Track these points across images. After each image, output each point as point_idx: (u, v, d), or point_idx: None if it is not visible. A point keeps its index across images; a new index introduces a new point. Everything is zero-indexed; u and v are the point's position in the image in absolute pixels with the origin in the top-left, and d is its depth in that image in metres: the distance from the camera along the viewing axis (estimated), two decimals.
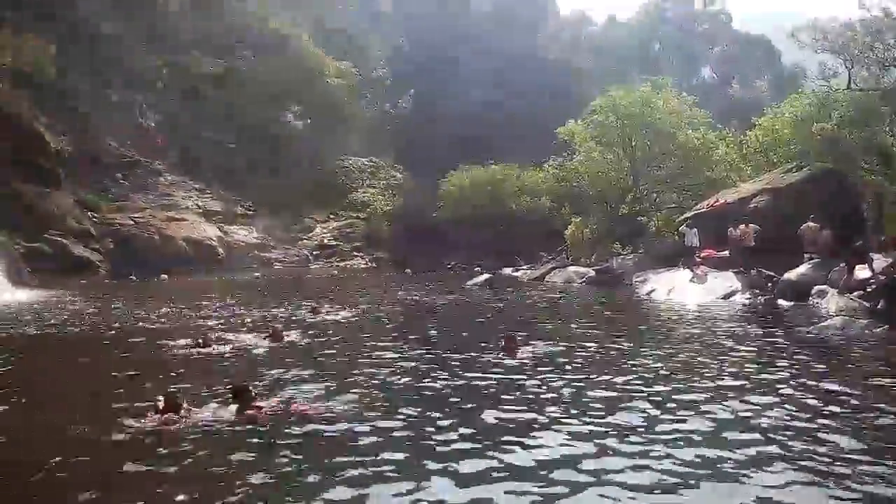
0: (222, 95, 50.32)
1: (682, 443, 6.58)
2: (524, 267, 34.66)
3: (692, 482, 5.62)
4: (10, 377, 10.50)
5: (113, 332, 15.17)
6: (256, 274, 37.43)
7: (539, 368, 10.01)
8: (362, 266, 44.79)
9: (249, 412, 7.53)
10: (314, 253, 45.95)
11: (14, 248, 30.12)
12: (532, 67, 62.19)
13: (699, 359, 10.75)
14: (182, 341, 12.74)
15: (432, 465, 5.99)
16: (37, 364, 12.05)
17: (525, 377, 9.40)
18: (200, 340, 12.27)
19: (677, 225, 28.45)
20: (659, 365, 10.27)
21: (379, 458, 6.16)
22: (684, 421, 7.26)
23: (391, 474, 5.82)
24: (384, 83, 63.74)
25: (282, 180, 48.96)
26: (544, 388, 8.86)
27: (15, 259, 29.08)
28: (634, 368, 10.04)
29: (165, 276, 33.23)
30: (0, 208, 30.11)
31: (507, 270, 33.86)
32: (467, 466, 5.96)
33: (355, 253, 47.16)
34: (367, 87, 61.47)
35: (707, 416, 7.44)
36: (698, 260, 23.53)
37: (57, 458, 6.28)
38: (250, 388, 8.07)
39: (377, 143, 58.68)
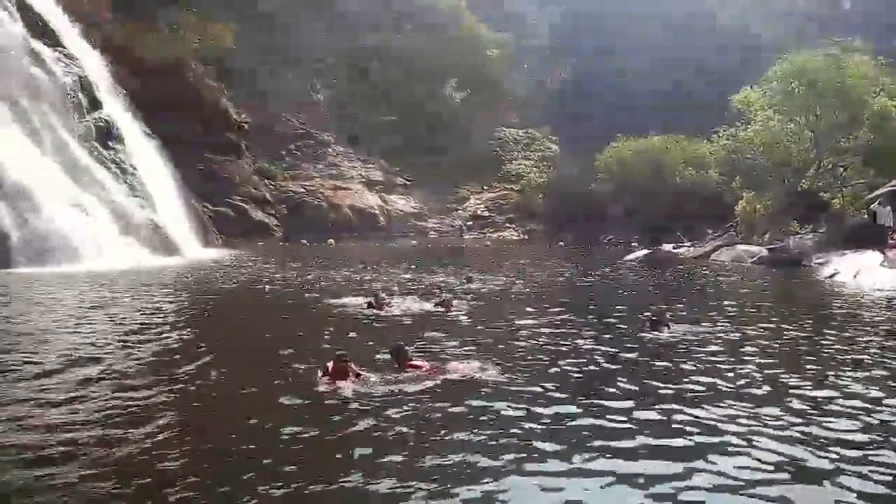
0: (385, 73, 52.14)
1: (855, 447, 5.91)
2: (686, 244, 32.91)
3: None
4: (200, 331, 11.63)
5: (290, 290, 16.39)
6: (413, 241, 38.74)
7: (700, 350, 9.47)
8: (514, 238, 44.87)
9: (408, 371, 7.76)
10: (468, 223, 46.67)
11: (203, 211, 33.40)
12: (700, 33, 58.26)
13: (889, 352, 9.62)
14: (354, 300, 13.31)
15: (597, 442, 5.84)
16: (219, 320, 13.25)
17: (683, 359, 8.92)
18: (373, 302, 12.56)
19: (868, 202, 25.61)
20: (845, 357, 9.31)
21: (544, 431, 6.09)
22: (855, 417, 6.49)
23: (557, 449, 5.76)
24: (541, 54, 62.68)
25: (438, 153, 50.02)
26: (707, 374, 8.36)
27: (204, 222, 32.26)
28: (812, 358, 9.19)
29: (332, 241, 35.30)
30: (193, 176, 33.37)
31: (668, 247, 32.34)
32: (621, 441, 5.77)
33: (508, 224, 47.32)
34: (525, 57, 60.80)
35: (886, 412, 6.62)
36: (892, 241, 21.08)
37: (230, 424, 6.09)
38: (406, 347, 8.31)
39: (533, 114, 58.07)
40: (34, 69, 23.42)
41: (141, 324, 11.10)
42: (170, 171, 29.81)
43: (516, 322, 11.62)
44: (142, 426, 5.94)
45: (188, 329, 10.94)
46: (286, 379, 7.54)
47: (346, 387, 7.19)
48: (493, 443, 5.71)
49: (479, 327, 11.15)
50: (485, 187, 51.07)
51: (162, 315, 12.10)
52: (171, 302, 14.00)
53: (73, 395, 6.84)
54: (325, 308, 13.19)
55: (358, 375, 7.44)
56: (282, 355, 8.72)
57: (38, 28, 24.63)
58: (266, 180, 41.93)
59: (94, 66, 27.78)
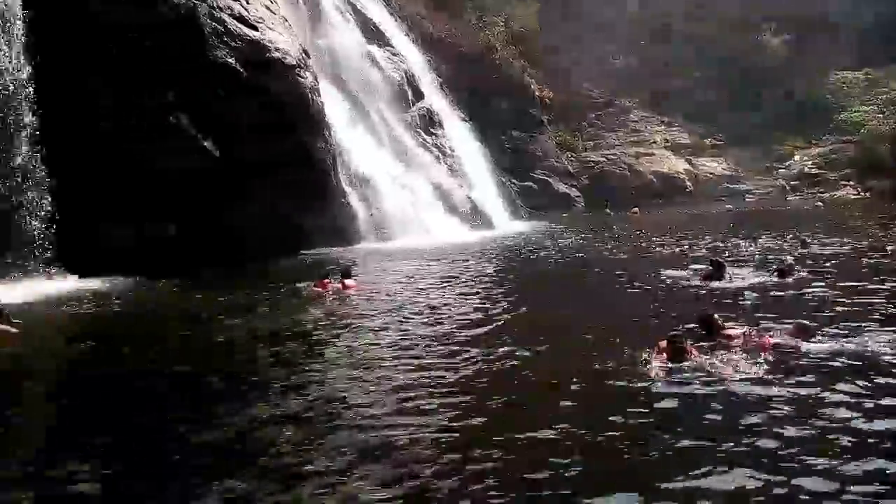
0: (693, 28, 48.73)
1: None
2: None
3: None
4: (521, 299, 12.24)
5: (603, 260, 16.46)
6: (728, 206, 35.90)
7: None
8: (852, 197, 38.85)
9: (723, 341, 7.20)
10: (791, 183, 41.71)
11: (510, 186, 35.15)
12: None
13: None
14: (676, 272, 12.67)
15: None
16: (538, 291, 13.80)
17: None
18: (710, 272, 11.56)
19: None
20: None
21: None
22: None
23: None
24: None
25: (755, 108, 45.36)
26: None
27: (512, 196, 33.94)
28: None
29: (636, 210, 34.47)
30: (500, 154, 35.27)
31: None
32: None
33: (842, 182, 41.13)
34: None
35: None
36: None
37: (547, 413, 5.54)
38: (715, 315, 7.71)
39: (872, 52, 49.15)
40: (370, 69, 26.79)
41: (470, 289, 12.13)
42: (481, 151, 31.92)
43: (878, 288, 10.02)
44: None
45: (509, 296, 11.62)
46: (618, 358, 6.90)
47: (686, 365, 6.46)
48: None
49: (828, 296, 9.87)
50: (813, 141, 44.99)
51: (485, 281, 13.08)
52: (493, 269, 15.08)
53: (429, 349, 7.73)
54: (648, 279, 12.43)
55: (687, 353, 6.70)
56: (611, 332, 8.35)
57: (371, 31, 28.04)
58: (568, 152, 42.49)
59: (416, 60, 30.79)
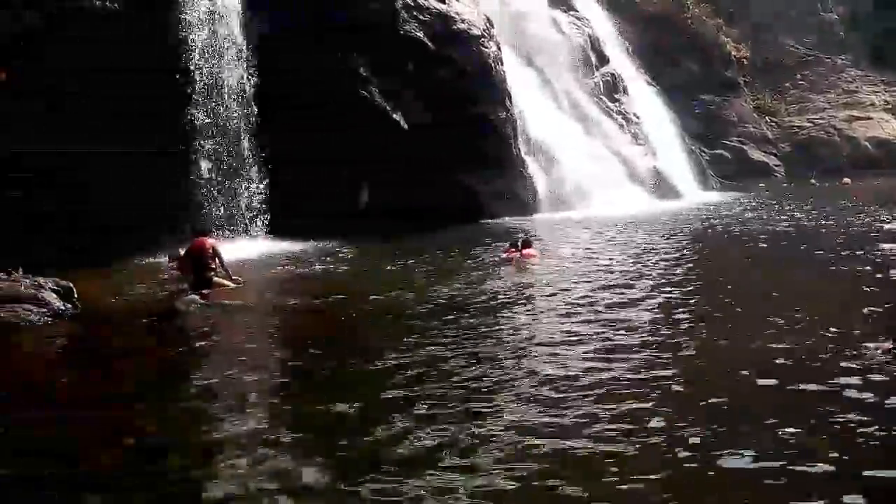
0: None
1: None
2: None
3: None
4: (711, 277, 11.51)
5: (815, 235, 15.02)
6: None
7: None
8: None
9: None
10: None
11: (700, 155, 32.99)
12: None
13: None
14: None
15: None
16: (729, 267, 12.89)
17: None
18: None
19: None
20: None
21: None
22: None
23: None
24: None
25: None
26: None
27: (702, 165, 31.90)
28: None
29: (848, 180, 30.86)
30: (689, 120, 33.19)
31: None
32: None
33: None
34: None
35: None
36: None
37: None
38: None
39: None
40: (553, 35, 26.29)
41: (659, 264, 11.64)
42: (669, 117, 30.24)
43: None
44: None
45: (708, 274, 11.00)
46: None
47: None
48: None
49: None
50: None
51: (677, 256, 12.47)
52: (685, 242, 14.35)
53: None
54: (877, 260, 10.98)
55: None
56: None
57: None
58: (766, 117, 38.89)
59: (601, 23, 29.70)
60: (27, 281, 9.30)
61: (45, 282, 9.37)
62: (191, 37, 16.12)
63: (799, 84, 41.42)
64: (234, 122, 16.66)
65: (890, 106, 39.22)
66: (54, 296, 9.14)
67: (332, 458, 4.39)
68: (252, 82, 16.87)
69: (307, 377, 6.43)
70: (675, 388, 5.56)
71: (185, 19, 16.09)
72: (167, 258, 12.49)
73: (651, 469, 4.09)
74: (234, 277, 10.99)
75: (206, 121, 16.18)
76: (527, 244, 12.70)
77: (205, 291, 10.12)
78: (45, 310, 8.88)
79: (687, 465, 4.14)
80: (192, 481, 4.22)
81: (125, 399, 5.93)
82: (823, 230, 15.74)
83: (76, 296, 9.39)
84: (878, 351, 6.11)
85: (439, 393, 5.54)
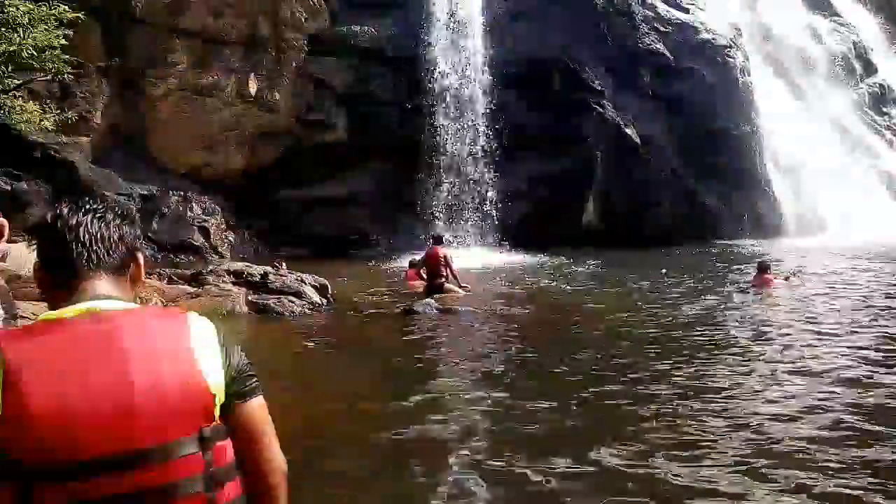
0: None
1: None
2: None
3: None
4: None
5: None
6: None
7: None
8: None
9: None
10: None
11: None
12: None
13: None
14: None
15: None
16: None
17: None
18: None
19: None
20: None
21: None
22: None
23: None
24: None
25: None
26: None
27: None
28: None
29: None
30: None
31: None
32: None
33: None
34: None
35: None
36: None
37: None
38: None
39: None
40: (810, 43, 23.87)
41: None
42: None
43: None
44: None
45: None
46: None
47: None
48: None
49: None
50: None
51: None
52: None
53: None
54: None
55: None
56: None
57: (816, 1, 24.92)
58: None
59: (869, 28, 26.36)
60: (293, 276, 10.52)
61: (306, 277, 10.53)
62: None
63: None
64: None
65: None
66: (313, 290, 10.24)
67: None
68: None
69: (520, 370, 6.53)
70: None
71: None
72: (409, 264, 13.44)
73: None
74: (462, 285, 11.52)
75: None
76: (763, 268, 11.58)
77: (437, 296, 10.70)
78: (304, 302, 9.98)
79: None
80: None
81: (372, 384, 6.42)
82: None
83: (331, 291, 10.43)
84: None
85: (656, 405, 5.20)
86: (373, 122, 17.90)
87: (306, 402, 5.95)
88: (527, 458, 4.43)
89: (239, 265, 11.22)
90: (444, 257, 11.69)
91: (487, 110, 18.16)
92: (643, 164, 18.76)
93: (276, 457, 1.43)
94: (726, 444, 4.70)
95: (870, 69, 24.63)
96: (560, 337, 8.61)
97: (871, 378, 6.17)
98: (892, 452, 4.55)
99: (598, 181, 18.67)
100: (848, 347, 7.35)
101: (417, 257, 12.59)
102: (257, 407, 1.40)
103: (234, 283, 10.18)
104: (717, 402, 5.60)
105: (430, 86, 18.12)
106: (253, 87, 17.67)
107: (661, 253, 16.52)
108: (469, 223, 17.85)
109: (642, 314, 9.51)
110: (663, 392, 5.91)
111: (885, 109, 23.88)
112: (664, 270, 13.29)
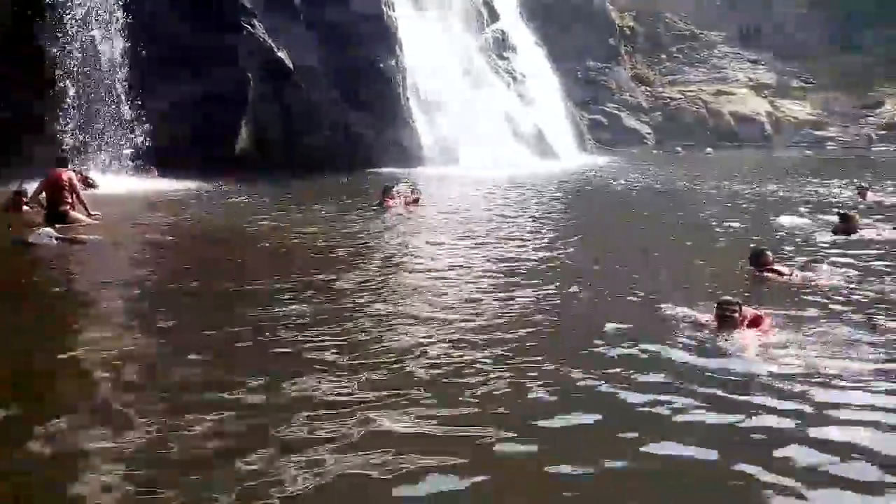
0: None
1: None
2: None
3: None
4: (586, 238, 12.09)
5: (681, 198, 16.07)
6: (808, 152, 34.18)
7: None
8: None
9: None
10: (879, 133, 39.18)
11: (580, 118, 34.20)
12: None
13: None
14: (793, 219, 11.63)
15: None
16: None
17: None
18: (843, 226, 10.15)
19: None
20: None
21: None
22: None
23: None
24: None
25: (853, 50, 42.12)
26: None
27: (580, 128, 33.07)
28: None
29: (710, 151, 33.21)
30: (572, 83, 34.23)
31: None
32: None
33: None
34: None
35: None
36: None
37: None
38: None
39: None
40: None
41: (529, 221, 12.10)
42: (554, 80, 30.94)
43: None
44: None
45: (571, 233, 11.53)
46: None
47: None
48: None
49: None
50: None
51: (546, 213, 13.01)
52: (558, 201, 14.96)
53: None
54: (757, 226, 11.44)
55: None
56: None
57: None
58: (643, 86, 40.85)
59: None
60: None
61: None
62: None
63: (675, 57, 43.69)
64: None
65: (753, 84, 42.25)
66: None
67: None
68: None
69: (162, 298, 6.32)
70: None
71: None
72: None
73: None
74: (91, 213, 10.41)
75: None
76: (386, 192, 12.72)
77: (59, 226, 9.51)
78: None
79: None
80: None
81: None
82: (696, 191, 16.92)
83: None
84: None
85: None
86: None
87: None
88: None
89: None
90: (69, 181, 10.40)
91: (130, 18, 16.18)
92: (297, 92, 18.80)
93: None
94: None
95: (494, 16, 27.93)
96: (200, 263, 8.39)
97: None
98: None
99: (252, 107, 18.23)
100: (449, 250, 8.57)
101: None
102: None
103: None
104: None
105: None
106: None
107: (314, 180, 17.05)
108: (107, 144, 15.94)
109: (291, 236, 9.77)
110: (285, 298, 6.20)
111: (505, 55, 27.45)
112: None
